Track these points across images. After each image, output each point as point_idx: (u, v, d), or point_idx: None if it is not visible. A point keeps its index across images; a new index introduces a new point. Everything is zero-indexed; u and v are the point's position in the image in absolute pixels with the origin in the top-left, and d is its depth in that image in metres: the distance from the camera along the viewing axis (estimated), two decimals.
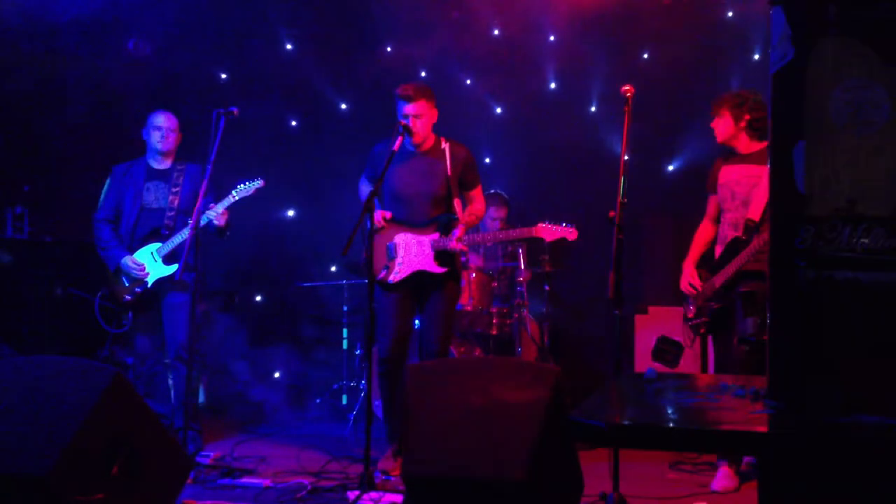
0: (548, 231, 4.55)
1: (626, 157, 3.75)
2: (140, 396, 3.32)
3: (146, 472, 3.22)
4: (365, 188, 4.80)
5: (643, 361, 5.86)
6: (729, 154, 4.55)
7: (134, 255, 4.99)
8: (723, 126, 4.44)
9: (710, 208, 4.68)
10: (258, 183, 4.97)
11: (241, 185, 4.96)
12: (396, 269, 4.56)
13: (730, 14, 6.52)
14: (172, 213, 5.05)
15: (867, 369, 1.85)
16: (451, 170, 4.58)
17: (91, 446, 2.99)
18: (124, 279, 5.01)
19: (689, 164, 6.47)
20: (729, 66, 6.36)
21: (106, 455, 3.05)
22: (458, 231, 4.52)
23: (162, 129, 5.07)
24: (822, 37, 1.90)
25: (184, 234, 4.85)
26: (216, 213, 4.86)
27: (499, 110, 7.19)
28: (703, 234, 4.71)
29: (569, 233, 4.57)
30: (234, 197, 4.94)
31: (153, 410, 3.40)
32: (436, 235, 4.54)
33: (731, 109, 4.40)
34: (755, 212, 4.29)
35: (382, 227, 4.57)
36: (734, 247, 4.34)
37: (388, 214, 4.59)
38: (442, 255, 4.55)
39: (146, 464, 3.22)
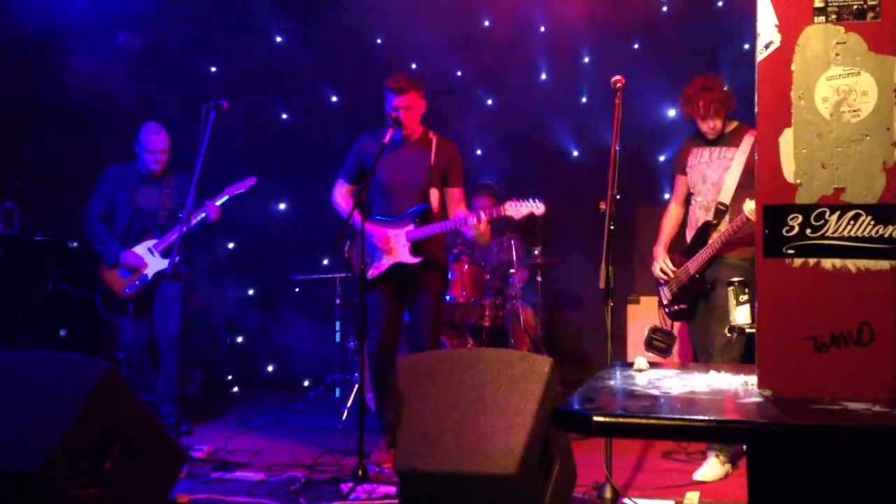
0: (515, 208, 4.48)
1: (617, 148, 3.75)
2: (132, 391, 3.32)
3: (139, 466, 3.22)
4: (339, 192, 4.75)
5: (636, 351, 5.87)
6: (698, 135, 4.50)
7: (132, 250, 5.19)
8: (721, 124, 4.39)
9: (679, 190, 4.64)
10: (250, 180, 5.18)
11: (234, 185, 5.18)
12: (374, 264, 4.57)
13: (720, 3, 6.52)
14: (165, 213, 5.28)
15: (855, 357, 1.86)
16: (435, 160, 4.59)
17: (84, 441, 2.99)
18: (121, 272, 5.18)
19: None
20: (720, 55, 6.37)
21: (99, 449, 3.05)
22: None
23: (155, 153, 5.26)
24: (808, 25, 1.90)
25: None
26: (206, 213, 5.09)
27: (490, 101, 7.19)
28: (671, 216, 4.66)
29: (535, 208, 4.49)
30: (226, 196, 5.16)
31: (145, 404, 3.40)
32: (410, 227, 4.55)
33: (724, 108, 4.35)
34: (727, 195, 4.28)
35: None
36: (705, 231, 4.33)
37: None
38: (417, 246, 4.55)
39: (139, 458, 3.21)
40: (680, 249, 4.58)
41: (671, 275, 4.52)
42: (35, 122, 6.58)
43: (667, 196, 6.41)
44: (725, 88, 4.34)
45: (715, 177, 4.35)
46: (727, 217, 4.28)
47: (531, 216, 4.53)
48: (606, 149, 3.78)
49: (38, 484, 2.85)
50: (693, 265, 4.38)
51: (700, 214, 4.41)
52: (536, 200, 4.49)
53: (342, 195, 4.74)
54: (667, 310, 4.58)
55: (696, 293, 4.42)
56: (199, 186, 4.50)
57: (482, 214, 4.41)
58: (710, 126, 4.35)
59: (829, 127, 1.89)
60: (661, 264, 4.55)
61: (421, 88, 4.58)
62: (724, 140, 4.37)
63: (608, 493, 3.53)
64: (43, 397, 3.04)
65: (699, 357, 4.53)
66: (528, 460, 2.93)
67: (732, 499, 3.79)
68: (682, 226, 4.65)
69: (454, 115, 6.44)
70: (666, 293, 4.58)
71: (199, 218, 5.08)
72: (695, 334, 4.54)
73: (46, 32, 6.28)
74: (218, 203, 5.13)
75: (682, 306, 4.49)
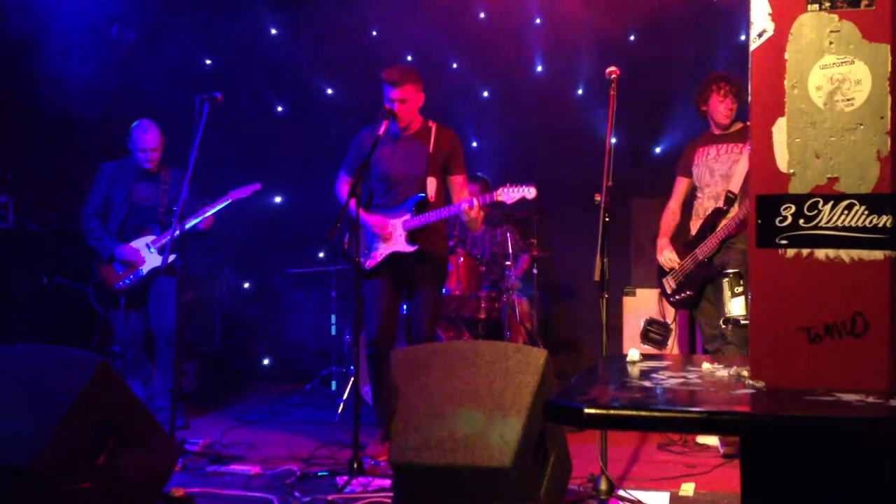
0: (506, 193, 4.47)
1: (612, 140, 3.74)
2: (126, 385, 3.31)
3: (133, 460, 3.21)
4: (341, 185, 4.77)
5: (632, 344, 5.87)
6: (703, 136, 4.62)
7: (130, 245, 5.17)
8: (736, 108, 4.48)
9: (679, 191, 4.73)
10: (254, 186, 5.11)
11: (238, 190, 5.05)
12: (371, 254, 4.58)
13: None
14: (163, 209, 5.25)
15: (849, 347, 1.85)
16: (434, 149, 4.58)
17: (77, 435, 2.98)
18: (117, 266, 5.17)
19: (675, 146, 6.47)
20: (715, 47, 6.36)
21: (92, 444, 3.04)
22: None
23: (146, 151, 5.20)
24: (801, 13, 1.89)
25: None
26: (202, 218, 4.98)
27: (485, 94, 7.17)
28: (670, 215, 4.78)
29: (527, 192, 4.48)
30: (229, 200, 5.03)
31: (139, 398, 3.39)
32: (407, 216, 4.55)
33: (743, 93, 4.43)
34: (736, 185, 4.36)
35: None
36: (715, 217, 4.39)
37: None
38: (413, 235, 4.54)
39: (133, 452, 3.20)
40: (682, 241, 4.63)
41: (677, 264, 4.56)
42: (28, 115, 6.55)
43: (662, 188, 6.42)
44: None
45: (724, 169, 4.47)
46: (736, 205, 4.37)
47: (523, 201, 4.51)
48: (602, 140, 3.77)
49: (31, 479, 2.84)
50: (701, 251, 4.44)
51: (709, 204, 4.50)
52: (528, 186, 4.48)
53: (343, 188, 4.74)
54: (671, 299, 4.61)
55: (704, 279, 4.48)
56: (197, 180, 4.47)
57: (474, 201, 4.41)
58: (727, 108, 4.44)
59: (822, 116, 1.88)
60: (667, 254, 4.61)
61: (418, 81, 4.56)
62: (731, 137, 4.51)
63: (603, 485, 3.53)
64: (36, 391, 3.03)
65: (708, 343, 4.57)
66: (523, 453, 2.93)
67: (727, 490, 3.79)
68: (684, 219, 4.72)
69: (449, 107, 6.43)
70: (670, 282, 4.61)
71: (192, 223, 5.00)
72: (703, 321, 4.60)
73: (39, 24, 6.25)
74: (211, 212, 4.99)
75: (688, 293, 4.53)
